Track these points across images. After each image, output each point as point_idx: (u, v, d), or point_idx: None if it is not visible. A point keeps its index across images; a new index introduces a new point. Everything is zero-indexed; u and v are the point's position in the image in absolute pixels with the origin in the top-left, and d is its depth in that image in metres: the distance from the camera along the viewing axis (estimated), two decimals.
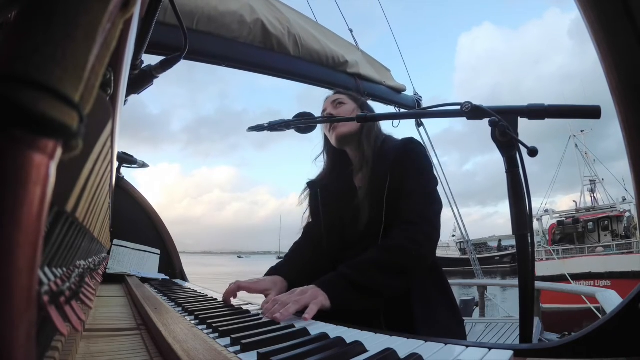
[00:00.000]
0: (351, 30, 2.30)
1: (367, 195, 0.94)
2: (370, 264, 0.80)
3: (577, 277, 8.84)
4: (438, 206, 0.91)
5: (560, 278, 7.99)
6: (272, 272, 0.99)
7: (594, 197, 15.05)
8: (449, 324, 0.88)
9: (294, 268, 1.01)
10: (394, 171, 0.91)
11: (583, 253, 10.93)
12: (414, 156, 0.94)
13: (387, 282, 0.80)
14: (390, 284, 0.80)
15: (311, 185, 1.13)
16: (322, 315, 0.69)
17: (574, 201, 15.16)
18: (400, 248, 0.82)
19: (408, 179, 0.90)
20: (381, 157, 0.96)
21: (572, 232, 12.90)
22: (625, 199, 13.31)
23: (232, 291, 0.88)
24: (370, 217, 0.92)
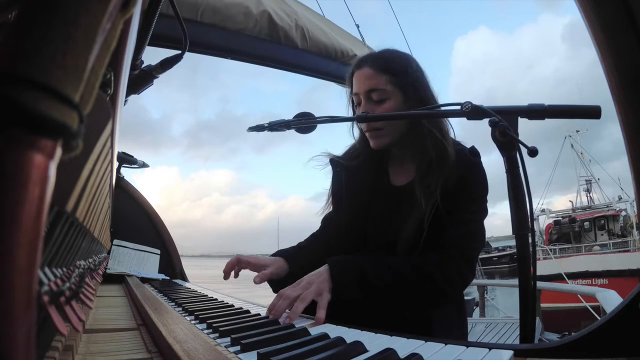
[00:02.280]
0: (358, 26, 2.18)
1: (415, 205, 0.82)
2: (392, 273, 0.75)
3: (574, 275, 8.88)
4: (481, 244, 0.84)
5: (557, 277, 8.01)
6: (278, 254, 0.94)
7: (590, 196, 15.09)
8: (453, 324, 0.88)
9: (301, 257, 0.94)
10: (447, 193, 0.80)
11: (580, 252, 10.96)
12: (475, 183, 0.83)
13: (397, 298, 0.76)
14: (400, 301, 0.76)
15: (334, 164, 0.98)
16: (328, 316, 0.69)
17: (570, 201, 15.21)
18: (430, 277, 0.76)
19: (462, 206, 0.81)
20: (436, 170, 0.82)
21: (568, 232, 12.94)
22: (621, 198, 13.33)
23: (232, 264, 0.86)
24: (408, 233, 0.82)
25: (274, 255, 0.94)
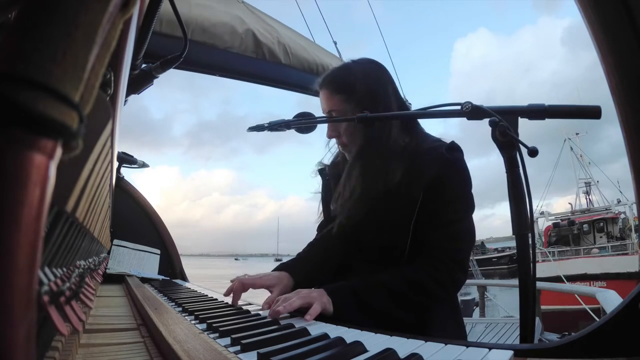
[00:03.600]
0: (335, 43, 2.30)
1: (391, 209, 0.83)
2: (385, 290, 0.76)
3: (572, 278, 8.90)
4: (471, 243, 0.84)
5: (556, 279, 8.04)
6: (280, 268, 0.95)
7: (589, 199, 15.05)
8: (450, 325, 0.88)
9: (303, 267, 0.95)
10: (428, 192, 0.80)
11: (578, 254, 10.97)
12: (456, 179, 0.81)
13: (396, 312, 0.76)
14: (399, 314, 0.77)
15: (323, 173, 1.02)
16: (322, 315, 0.69)
17: (569, 203, 15.18)
18: (422, 287, 0.76)
19: (446, 206, 0.80)
20: (413, 166, 0.82)
21: (567, 234, 12.92)
22: (620, 201, 13.31)
23: (238, 291, 0.85)
24: (393, 237, 0.83)
25: (276, 269, 0.94)
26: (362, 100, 0.87)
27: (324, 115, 0.94)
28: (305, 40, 1.93)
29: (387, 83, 0.91)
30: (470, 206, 0.84)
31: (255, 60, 1.63)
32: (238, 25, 1.57)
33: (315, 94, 0.97)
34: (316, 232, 1.06)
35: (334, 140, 0.98)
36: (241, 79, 1.72)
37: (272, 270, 0.94)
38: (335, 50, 2.19)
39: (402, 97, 0.94)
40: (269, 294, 0.85)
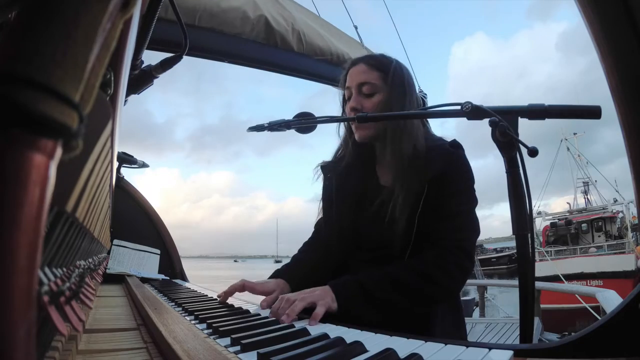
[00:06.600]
0: (356, 27, 2.23)
1: (397, 203, 0.83)
2: (393, 281, 0.75)
3: (569, 277, 8.98)
4: (475, 233, 0.85)
5: (554, 278, 8.09)
6: (276, 275, 0.95)
7: (588, 198, 15.04)
8: (452, 325, 0.87)
9: (299, 272, 0.95)
10: (432, 186, 0.81)
11: (576, 254, 11.01)
12: (459, 173, 0.84)
13: (404, 304, 0.75)
14: (407, 307, 0.76)
15: (325, 169, 1.00)
16: (324, 316, 0.69)
17: (567, 203, 15.18)
18: (430, 277, 0.76)
19: (450, 199, 0.81)
20: (419, 162, 0.84)
21: (565, 234, 12.93)
22: (616, 200, 13.31)
23: (237, 288, 0.86)
24: (399, 234, 0.83)
25: (272, 276, 0.94)
26: (395, 86, 0.89)
27: (325, 116, 0.93)
28: (324, 25, 1.87)
29: (414, 87, 0.94)
30: (473, 200, 0.86)
31: (266, 47, 1.60)
32: (250, 10, 1.53)
33: (325, 81, 0.93)
34: (314, 229, 1.06)
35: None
36: (251, 65, 1.68)
37: (269, 278, 0.95)
38: (356, 35, 2.12)
39: (418, 90, 0.95)
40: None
